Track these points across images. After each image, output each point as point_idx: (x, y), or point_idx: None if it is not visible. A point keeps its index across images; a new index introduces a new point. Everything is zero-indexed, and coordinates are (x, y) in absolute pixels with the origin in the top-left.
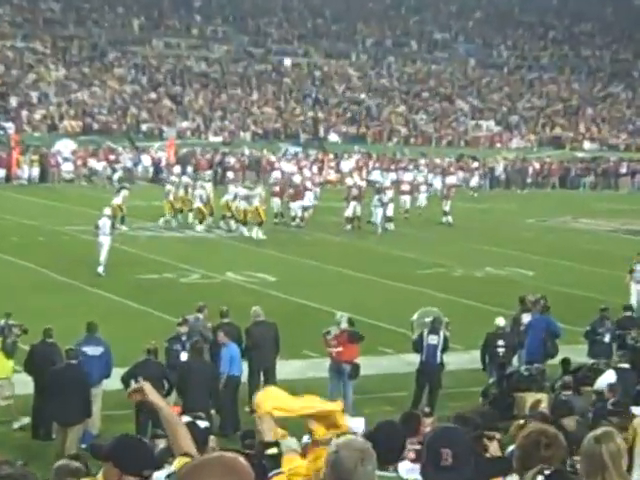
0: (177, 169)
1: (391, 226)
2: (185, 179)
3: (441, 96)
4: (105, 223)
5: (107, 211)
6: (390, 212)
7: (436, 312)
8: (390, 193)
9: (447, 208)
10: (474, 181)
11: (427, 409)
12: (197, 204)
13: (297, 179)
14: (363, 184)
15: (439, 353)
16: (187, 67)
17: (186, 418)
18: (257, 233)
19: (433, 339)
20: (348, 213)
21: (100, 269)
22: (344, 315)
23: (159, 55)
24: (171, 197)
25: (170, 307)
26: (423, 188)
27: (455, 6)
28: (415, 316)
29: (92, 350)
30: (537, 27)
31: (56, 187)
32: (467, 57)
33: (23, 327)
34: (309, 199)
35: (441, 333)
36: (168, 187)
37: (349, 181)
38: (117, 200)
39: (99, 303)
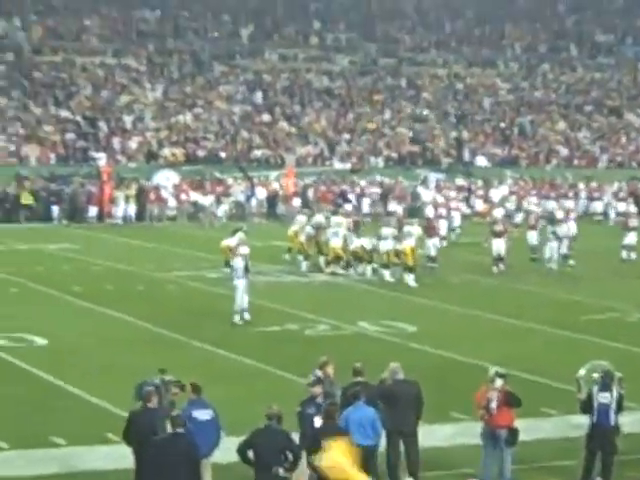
0: (297, 202)
1: (570, 262)
2: (318, 218)
3: (607, 109)
4: (238, 265)
5: (243, 250)
6: (565, 248)
7: (606, 366)
8: (566, 225)
9: (629, 241)
10: None
11: None
12: (334, 243)
13: (430, 212)
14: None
15: (612, 414)
16: (306, 82)
17: None
18: (409, 279)
19: (604, 397)
20: (495, 252)
21: (236, 318)
22: (499, 371)
23: (273, 69)
24: (302, 237)
25: (294, 364)
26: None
27: (620, 2)
28: (582, 371)
29: (201, 414)
30: None
31: (156, 226)
32: (637, 62)
33: (180, 384)
34: (443, 228)
35: (614, 390)
36: (296, 226)
37: (497, 213)
38: (230, 242)
39: (210, 361)
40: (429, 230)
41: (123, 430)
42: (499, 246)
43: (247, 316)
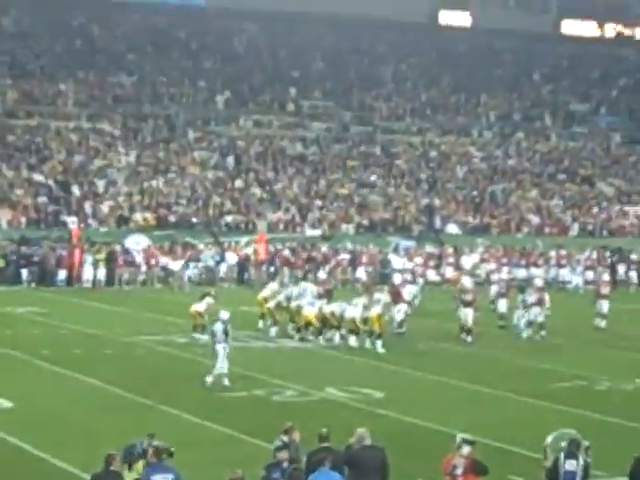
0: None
1: (542, 332)
2: (294, 290)
3: (580, 178)
4: (218, 328)
5: (223, 315)
6: (541, 317)
7: (573, 434)
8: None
9: (600, 309)
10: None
11: None
12: (309, 311)
13: (397, 278)
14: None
15: None
16: (280, 149)
17: None
18: (377, 345)
19: (571, 465)
20: (463, 321)
21: (209, 379)
22: (467, 438)
23: (247, 135)
24: (272, 304)
25: (260, 429)
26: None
27: (596, 72)
28: (549, 439)
29: (161, 478)
30: None
31: (126, 290)
32: (610, 132)
33: (169, 450)
34: (408, 293)
35: (580, 458)
36: (266, 292)
37: (465, 281)
38: (199, 307)
39: (177, 425)
40: (395, 296)
41: None
42: (467, 316)
43: (226, 382)
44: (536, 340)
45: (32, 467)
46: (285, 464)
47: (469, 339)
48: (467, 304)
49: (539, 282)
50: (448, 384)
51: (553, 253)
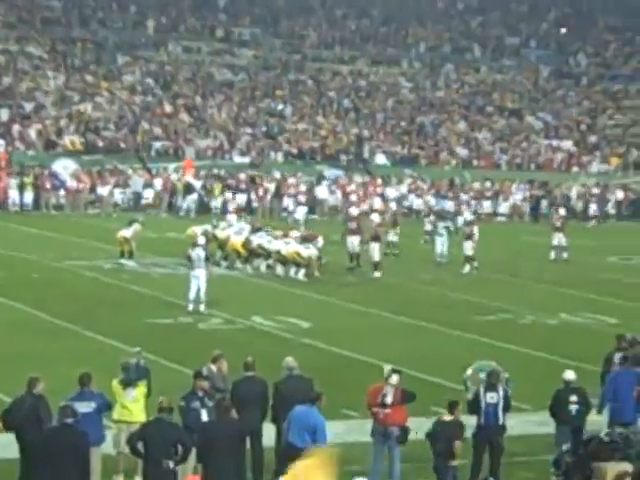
0: (194, 196)
1: (466, 268)
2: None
3: (508, 111)
4: (199, 255)
5: (201, 240)
6: (469, 250)
7: (493, 365)
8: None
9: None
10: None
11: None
12: (236, 240)
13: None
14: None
15: (500, 413)
16: (209, 75)
17: None
18: (298, 274)
19: (492, 397)
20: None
21: (190, 307)
22: (395, 367)
23: (176, 61)
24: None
25: (186, 357)
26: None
27: (526, 5)
28: (469, 371)
29: (84, 406)
30: (622, 30)
31: (53, 215)
32: (539, 65)
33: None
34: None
35: (500, 390)
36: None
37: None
38: (126, 233)
39: (101, 351)
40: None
41: (1, 414)
42: (353, 244)
43: (203, 308)
44: (466, 273)
45: None
46: (200, 393)
47: (377, 274)
48: (353, 232)
49: (468, 216)
50: (374, 315)
51: (478, 186)
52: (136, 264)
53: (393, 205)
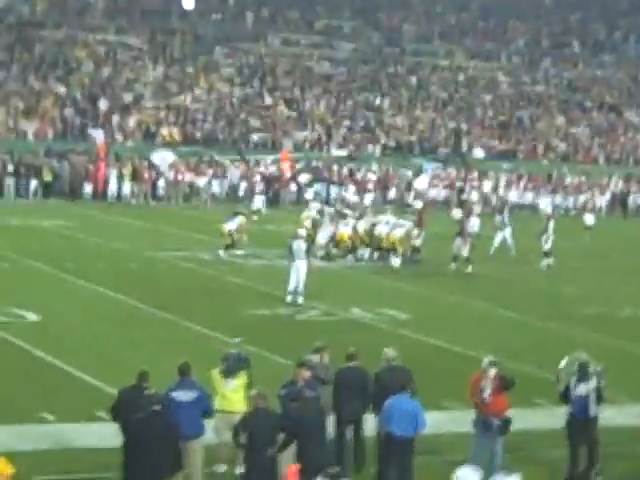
0: (292, 187)
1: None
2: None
3: (607, 106)
4: (300, 246)
5: (301, 232)
6: (548, 244)
7: (584, 357)
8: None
9: None
10: None
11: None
12: (344, 230)
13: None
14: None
15: (591, 405)
16: (308, 68)
17: None
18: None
19: (582, 389)
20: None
21: (289, 298)
22: (492, 359)
23: (275, 53)
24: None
25: (284, 348)
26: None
27: (625, 1)
28: (563, 363)
29: (183, 395)
30: None
31: (150, 206)
32: (638, 61)
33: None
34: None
35: (592, 381)
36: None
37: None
38: (230, 226)
39: (200, 342)
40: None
41: (112, 405)
42: (458, 244)
43: (301, 300)
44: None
45: (56, 380)
46: (301, 382)
47: (469, 269)
48: (458, 233)
49: (548, 209)
50: (473, 307)
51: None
52: (235, 256)
53: (493, 199)
